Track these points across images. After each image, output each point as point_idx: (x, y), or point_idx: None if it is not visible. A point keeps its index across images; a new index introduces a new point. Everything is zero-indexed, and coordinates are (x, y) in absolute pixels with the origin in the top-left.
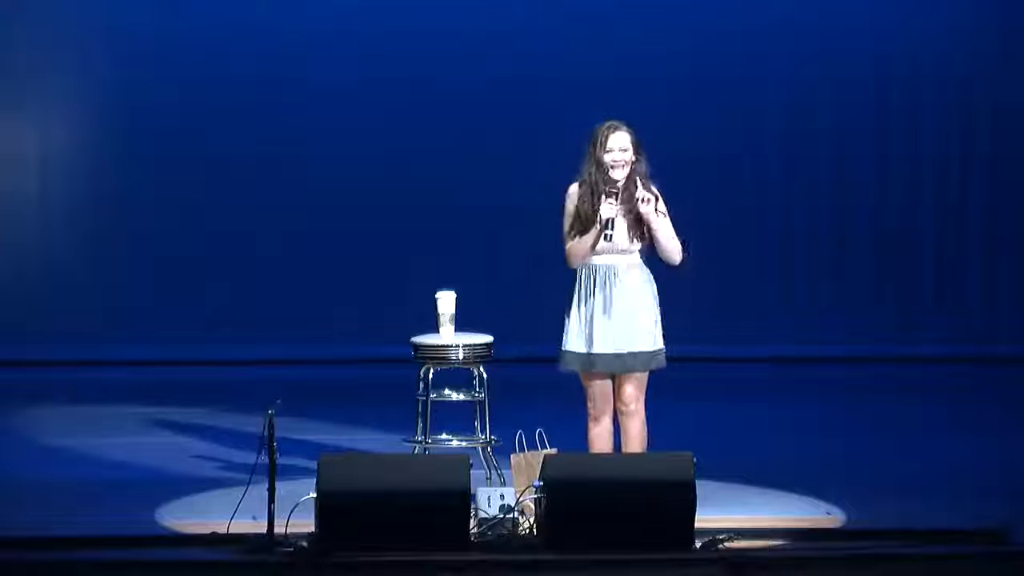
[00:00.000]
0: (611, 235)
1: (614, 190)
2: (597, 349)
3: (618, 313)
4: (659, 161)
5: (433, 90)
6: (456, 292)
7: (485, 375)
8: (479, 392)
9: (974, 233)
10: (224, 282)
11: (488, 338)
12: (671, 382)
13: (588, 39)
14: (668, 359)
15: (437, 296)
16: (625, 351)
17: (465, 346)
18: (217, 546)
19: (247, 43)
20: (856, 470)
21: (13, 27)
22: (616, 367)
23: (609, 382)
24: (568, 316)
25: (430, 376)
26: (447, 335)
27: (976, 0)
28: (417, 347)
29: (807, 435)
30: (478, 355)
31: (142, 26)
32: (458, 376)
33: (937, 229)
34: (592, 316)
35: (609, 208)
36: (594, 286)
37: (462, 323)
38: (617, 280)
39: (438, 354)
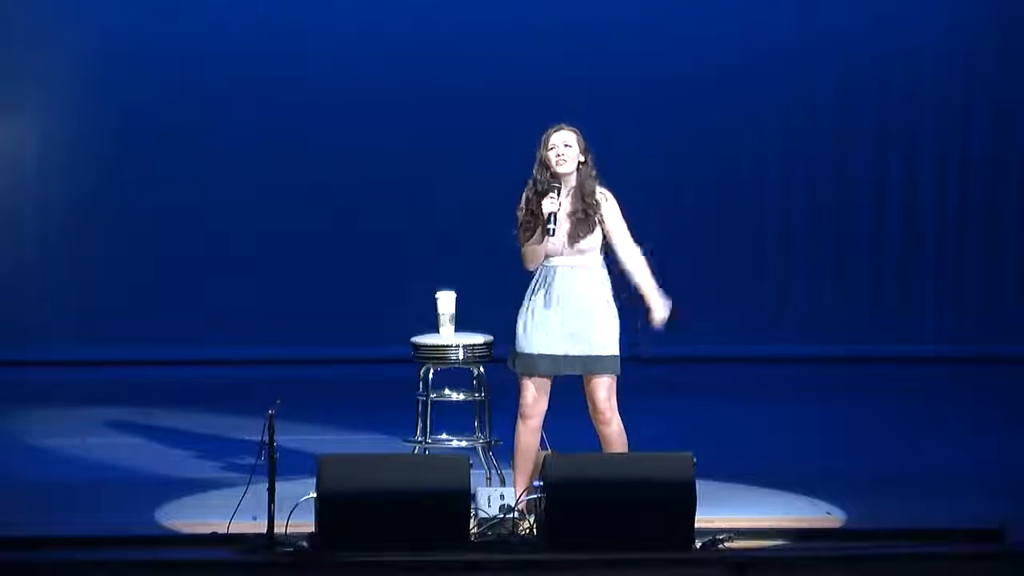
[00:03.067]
0: (553, 229)
1: (556, 184)
2: (547, 350)
3: (568, 315)
4: (660, 161)
5: (434, 90)
6: (456, 292)
7: (485, 375)
8: (479, 392)
9: (974, 233)
10: (224, 282)
11: (488, 338)
12: (672, 382)
13: (589, 40)
14: (670, 360)
15: (437, 296)
16: (594, 353)
17: (465, 346)
18: (217, 546)
19: (247, 42)
20: (856, 470)
21: (12, 27)
22: (581, 368)
23: (548, 384)
24: (521, 318)
25: (430, 376)
26: (447, 335)
27: (977, 0)
28: (417, 347)
29: (807, 435)
30: (478, 355)
31: (141, 25)
32: (458, 376)
33: (937, 229)
34: (542, 317)
35: (549, 203)
36: (545, 288)
37: (462, 323)
38: (566, 282)
39: (438, 354)
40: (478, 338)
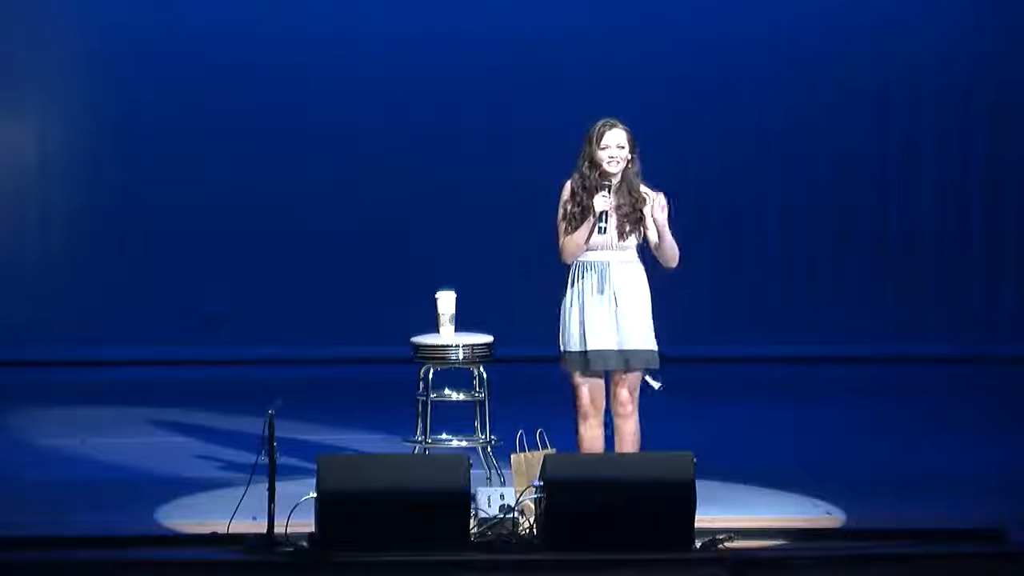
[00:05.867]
0: (604, 227)
1: (607, 183)
2: (594, 346)
3: (615, 309)
4: (660, 161)
5: (434, 90)
6: (456, 292)
7: (485, 375)
8: (479, 392)
9: (974, 233)
10: (224, 282)
11: (488, 338)
12: (671, 382)
13: (589, 41)
14: (669, 359)
15: (437, 296)
16: (625, 348)
17: (465, 346)
18: (217, 546)
19: (246, 43)
20: (856, 470)
21: (12, 27)
22: (614, 364)
23: (602, 381)
24: (564, 315)
25: (430, 376)
26: (447, 335)
27: (977, 0)
28: (417, 347)
29: (807, 435)
30: (478, 355)
31: (141, 26)
32: (458, 376)
33: (937, 229)
34: (589, 313)
35: (603, 201)
36: (590, 282)
37: (462, 323)
38: (612, 276)
39: (438, 354)
40: (478, 338)
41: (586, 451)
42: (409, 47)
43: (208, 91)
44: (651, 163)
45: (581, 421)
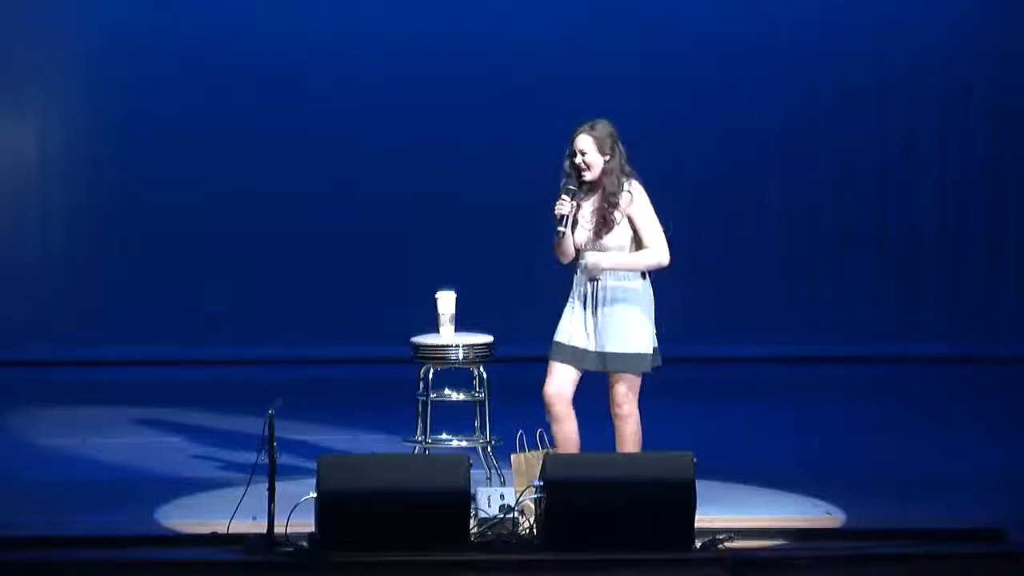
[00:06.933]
0: (563, 231)
1: (571, 187)
2: (576, 343)
3: (600, 312)
4: (660, 161)
5: (434, 90)
6: (456, 292)
7: (485, 375)
8: (479, 392)
9: (974, 233)
10: (224, 282)
11: (488, 338)
12: (671, 382)
13: (588, 41)
14: (669, 360)
15: (437, 296)
16: (603, 350)
17: (465, 346)
18: (217, 546)
19: (246, 43)
20: (856, 470)
21: (12, 27)
22: (592, 365)
23: (574, 375)
24: (564, 308)
25: (430, 376)
26: (447, 335)
27: (977, 0)
28: (417, 347)
29: (807, 435)
30: (478, 355)
31: (141, 26)
32: (458, 376)
33: (937, 229)
34: (575, 312)
35: (560, 206)
36: (577, 283)
37: (462, 323)
38: (598, 279)
39: (438, 354)
40: (478, 338)
41: (557, 445)
42: (409, 47)
43: (208, 91)
44: (651, 163)
45: (550, 421)
